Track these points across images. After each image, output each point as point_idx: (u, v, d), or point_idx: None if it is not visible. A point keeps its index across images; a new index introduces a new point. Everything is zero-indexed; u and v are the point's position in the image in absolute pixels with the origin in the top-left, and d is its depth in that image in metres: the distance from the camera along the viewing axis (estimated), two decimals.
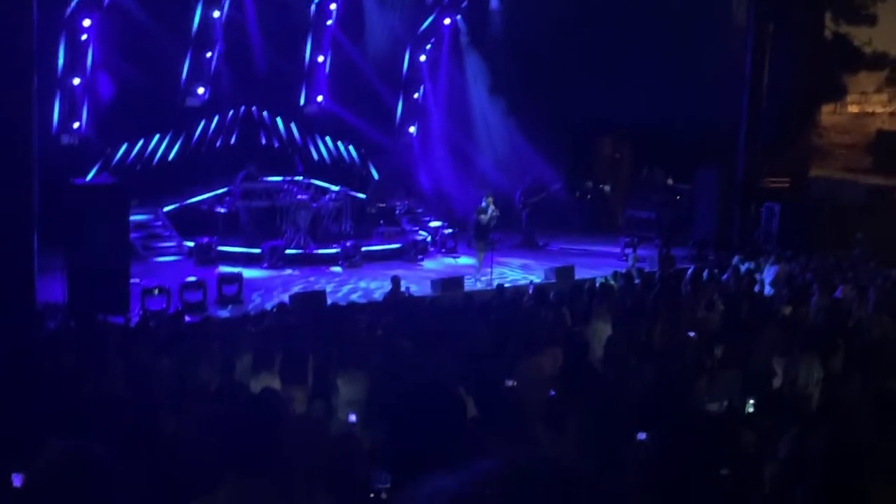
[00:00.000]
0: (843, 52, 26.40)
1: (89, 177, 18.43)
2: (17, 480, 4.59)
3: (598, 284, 15.22)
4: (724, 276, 15.84)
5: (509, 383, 7.81)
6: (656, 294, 13.26)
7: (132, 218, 16.95)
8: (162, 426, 6.15)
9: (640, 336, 10.41)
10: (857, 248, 19.46)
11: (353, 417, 7.67)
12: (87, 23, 18.92)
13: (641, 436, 5.39)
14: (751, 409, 8.19)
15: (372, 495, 3.94)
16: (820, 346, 9.19)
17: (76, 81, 19.09)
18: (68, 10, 18.65)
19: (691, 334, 10.33)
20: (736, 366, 9.14)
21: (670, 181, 24.99)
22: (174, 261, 19.13)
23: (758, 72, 21.84)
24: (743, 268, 16.78)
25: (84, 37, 19.02)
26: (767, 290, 15.34)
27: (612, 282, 15.28)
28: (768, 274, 16.21)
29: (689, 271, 16.56)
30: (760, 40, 21.83)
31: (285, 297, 15.89)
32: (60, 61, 18.85)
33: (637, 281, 15.34)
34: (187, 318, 13.33)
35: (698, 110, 22.46)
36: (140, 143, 20.80)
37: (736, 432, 5.91)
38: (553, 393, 7.62)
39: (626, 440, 5.30)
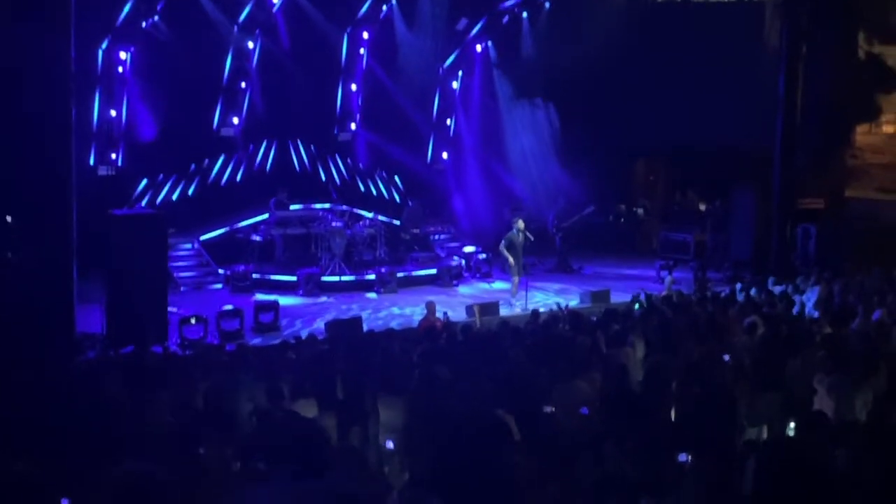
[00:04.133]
0: (877, 71, 26.12)
1: (127, 207, 18.62)
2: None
3: (634, 308, 15.15)
4: (761, 298, 15.68)
5: (548, 409, 7.75)
6: (692, 317, 13.15)
7: (169, 247, 17.11)
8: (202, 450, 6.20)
9: (677, 359, 10.31)
10: None
11: (390, 444, 7.65)
12: (123, 55, 19.21)
13: (682, 457, 5.35)
14: (791, 433, 8.11)
15: None
16: (861, 368, 9.07)
17: (113, 113, 19.37)
18: (105, 43, 18.94)
19: (726, 357, 10.21)
20: (775, 388, 9.04)
21: (703, 206, 24.90)
22: (211, 289, 19.28)
23: (791, 92, 21.67)
24: (778, 290, 16.59)
25: (120, 69, 19.30)
26: (809, 311, 15.14)
27: (647, 305, 15.17)
28: (810, 295, 16.01)
29: (725, 293, 16.40)
30: (793, 61, 21.68)
31: (321, 324, 15.96)
32: (97, 93, 19.15)
33: (673, 304, 15.23)
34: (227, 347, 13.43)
35: (732, 131, 22.35)
36: (176, 172, 21.03)
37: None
38: (586, 411, 7.58)
39: (667, 462, 5.27)
